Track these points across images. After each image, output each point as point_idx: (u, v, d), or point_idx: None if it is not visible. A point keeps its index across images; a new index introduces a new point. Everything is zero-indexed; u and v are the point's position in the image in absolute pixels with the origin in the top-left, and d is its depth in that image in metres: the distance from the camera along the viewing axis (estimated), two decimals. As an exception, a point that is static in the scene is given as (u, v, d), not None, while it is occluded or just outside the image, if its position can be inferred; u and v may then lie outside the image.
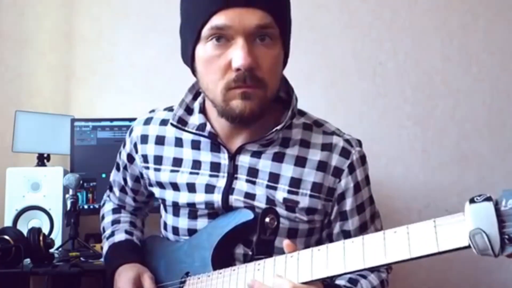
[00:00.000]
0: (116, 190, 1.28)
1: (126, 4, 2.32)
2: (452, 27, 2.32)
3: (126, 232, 1.23)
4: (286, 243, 0.89)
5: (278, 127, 1.01)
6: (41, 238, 1.60)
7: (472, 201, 0.67)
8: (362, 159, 1.07)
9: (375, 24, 2.32)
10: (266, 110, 0.99)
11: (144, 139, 1.14)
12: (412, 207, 2.23)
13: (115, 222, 1.27)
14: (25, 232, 1.61)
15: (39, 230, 1.63)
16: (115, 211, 1.29)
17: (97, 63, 2.30)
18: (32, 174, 1.93)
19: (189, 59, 1.00)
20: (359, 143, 1.08)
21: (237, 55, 0.91)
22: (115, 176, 1.27)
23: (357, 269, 0.78)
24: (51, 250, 1.69)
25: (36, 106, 2.20)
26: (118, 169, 1.25)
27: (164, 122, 1.13)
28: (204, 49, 0.96)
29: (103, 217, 1.31)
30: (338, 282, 1.03)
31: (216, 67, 0.95)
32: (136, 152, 1.16)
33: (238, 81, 0.93)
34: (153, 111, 1.18)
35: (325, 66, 2.30)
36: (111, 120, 2.07)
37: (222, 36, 0.93)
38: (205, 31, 0.94)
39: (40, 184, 1.92)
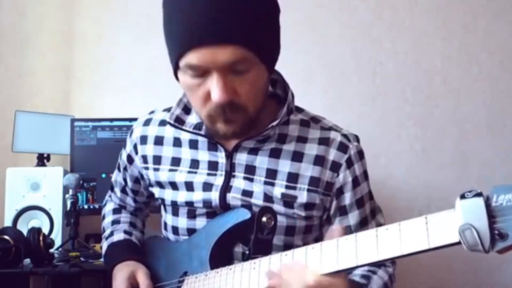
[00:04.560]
0: (117, 190, 1.29)
1: (126, 5, 2.32)
2: (452, 27, 2.32)
3: (125, 232, 1.23)
4: (335, 227, 0.88)
5: (274, 123, 1.01)
6: (41, 238, 1.60)
7: (462, 196, 0.67)
8: (360, 154, 1.08)
9: (375, 24, 2.32)
10: (252, 124, 1.00)
11: (144, 140, 1.15)
12: (412, 207, 2.23)
13: (115, 222, 1.27)
14: (25, 232, 1.61)
15: (39, 230, 1.63)
16: (116, 211, 1.30)
17: (97, 63, 2.30)
18: (32, 174, 1.93)
19: (175, 76, 1.02)
20: (357, 138, 1.09)
21: (214, 91, 0.91)
22: (116, 176, 1.28)
23: (350, 266, 0.78)
24: (51, 250, 1.69)
25: (36, 106, 2.20)
26: (119, 169, 1.26)
27: (163, 123, 1.14)
28: (184, 77, 0.96)
29: (103, 217, 1.32)
30: (352, 277, 1.03)
31: (197, 96, 0.96)
32: (136, 153, 1.17)
33: (218, 111, 0.95)
34: (152, 112, 1.19)
35: (325, 66, 2.30)
36: (111, 120, 2.07)
37: (198, 72, 0.93)
38: (182, 65, 0.94)
39: (40, 184, 1.92)
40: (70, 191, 1.82)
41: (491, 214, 0.64)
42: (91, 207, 2.03)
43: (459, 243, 0.67)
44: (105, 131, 2.05)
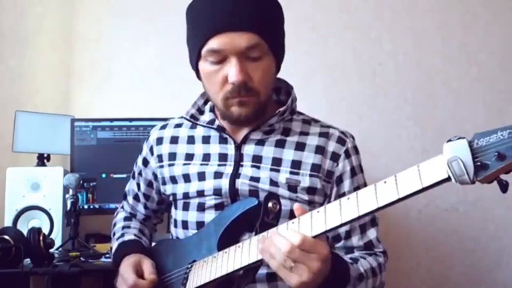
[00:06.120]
0: (129, 198, 1.38)
1: (126, 5, 2.32)
2: (452, 27, 2.32)
3: (135, 235, 1.30)
4: (296, 206, 0.95)
5: (281, 109, 1.15)
6: (41, 238, 1.60)
7: (449, 141, 0.77)
8: (356, 149, 1.20)
9: (375, 24, 2.32)
10: (262, 111, 1.13)
11: (160, 141, 1.27)
12: (411, 207, 2.23)
13: (125, 227, 1.34)
14: (25, 232, 1.61)
15: (39, 230, 1.63)
16: (127, 219, 1.38)
17: (97, 63, 2.31)
18: (32, 174, 1.93)
19: (194, 70, 1.17)
20: (353, 137, 1.22)
21: (231, 72, 1.06)
22: (130, 185, 1.38)
23: (353, 217, 0.85)
24: (51, 250, 1.69)
25: (36, 106, 2.20)
26: (133, 177, 1.36)
27: (178, 126, 1.28)
28: (204, 66, 1.11)
29: (114, 225, 1.38)
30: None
31: (215, 81, 1.10)
32: (152, 154, 1.28)
33: (234, 92, 1.08)
34: (168, 119, 1.32)
35: (325, 66, 2.30)
36: (111, 120, 2.07)
37: (218, 57, 1.07)
38: (204, 52, 1.09)
39: (40, 184, 1.92)
40: (70, 191, 1.82)
41: (473, 152, 0.74)
42: (91, 207, 2.03)
43: (448, 179, 0.75)
44: (105, 131, 2.05)
